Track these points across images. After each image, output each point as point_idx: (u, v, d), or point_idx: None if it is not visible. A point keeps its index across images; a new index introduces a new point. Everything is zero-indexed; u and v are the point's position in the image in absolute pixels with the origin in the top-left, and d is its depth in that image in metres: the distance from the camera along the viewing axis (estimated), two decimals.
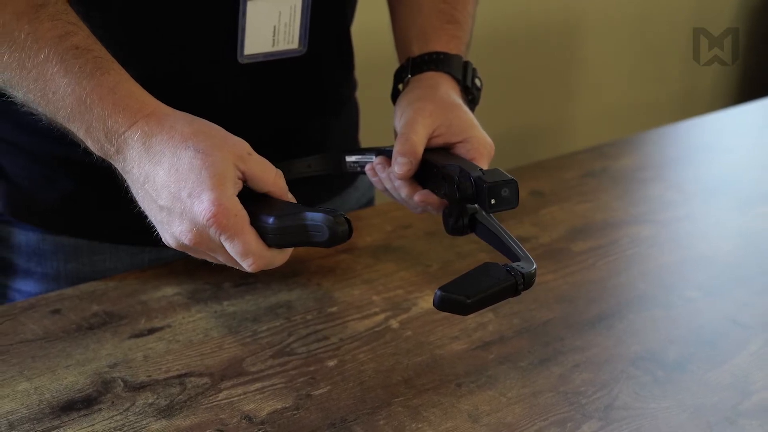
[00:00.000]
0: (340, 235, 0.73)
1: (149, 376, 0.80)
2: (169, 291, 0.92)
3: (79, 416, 0.75)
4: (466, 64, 0.95)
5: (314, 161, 0.96)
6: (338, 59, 1.05)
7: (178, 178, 0.73)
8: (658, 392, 0.81)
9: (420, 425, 0.76)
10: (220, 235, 0.73)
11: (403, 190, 0.88)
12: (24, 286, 0.97)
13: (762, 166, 1.30)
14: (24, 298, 0.93)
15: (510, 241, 0.78)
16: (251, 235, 0.74)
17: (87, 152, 0.93)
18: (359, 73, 1.12)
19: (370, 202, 1.17)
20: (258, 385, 0.80)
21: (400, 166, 0.86)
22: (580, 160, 1.28)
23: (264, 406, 0.77)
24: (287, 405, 0.77)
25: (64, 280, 0.96)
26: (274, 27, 0.91)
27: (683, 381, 0.83)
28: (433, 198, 0.86)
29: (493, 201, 0.79)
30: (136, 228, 0.97)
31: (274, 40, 0.91)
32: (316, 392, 0.79)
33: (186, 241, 0.74)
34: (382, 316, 0.90)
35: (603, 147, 1.32)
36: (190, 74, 0.92)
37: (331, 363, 0.83)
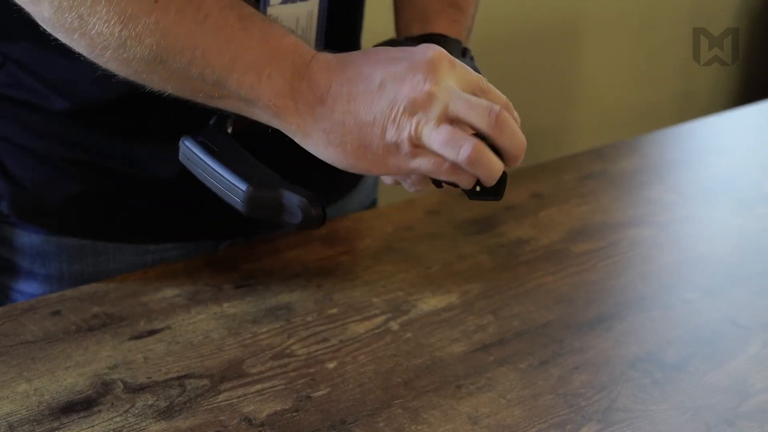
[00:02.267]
0: (312, 219, 0.71)
1: (149, 377, 0.80)
2: (169, 292, 0.92)
3: (79, 418, 0.75)
4: (465, 50, 0.94)
5: None
6: None
7: (385, 56, 0.71)
8: (657, 394, 0.81)
9: (420, 427, 0.76)
10: (452, 69, 0.70)
11: None
12: (27, 287, 0.97)
13: (762, 168, 1.30)
14: (27, 299, 0.93)
15: None
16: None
17: (94, 153, 0.93)
18: None
19: (373, 204, 1.17)
20: (258, 386, 0.80)
21: None
22: (579, 162, 1.28)
23: (264, 407, 0.77)
24: (287, 407, 0.77)
25: (67, 282, 0.96)
26: (292, 33, 0.91)
27: (682, 383, 0.83)
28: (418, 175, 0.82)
29: (478, 188, 0.76)
30: (141, 228, 0.98)
31: None
32: (316, 394, 0.79)
33: (428, 87, 0.69)
34: (382, 318, 0.90)
35: (602, 149, 1.32)
36: None
37: (331, 365, 0.83)
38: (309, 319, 0.89)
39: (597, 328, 0.90)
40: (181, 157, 0.77)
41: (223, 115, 0.85)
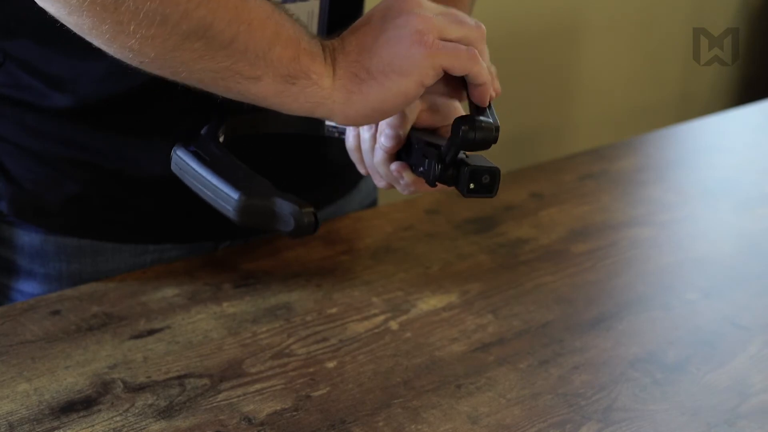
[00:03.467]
0: (305, 227, 0.72)
1: (149, 377, 0.80)
2: (168, 292, 0.92)
3: (79, 417, 0.75)
4: None
5: (293, 118, 0.94)
6: None
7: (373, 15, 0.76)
8: (657, 394, 0.81)
9: (419, 427, 0.76)
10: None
11: (380, 162, 0.85)
12: (26, 287, 0.97)
13: (761, 168, 1.30)
14: (26, 299, 0.93)
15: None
16: None
17: (93, 153, 0.93)
18: None
19: (373, 204, 1.17)
20: (257, 386, 0.80)
21: (387, 138, 0.82)
22: (579, 162, 1.28)
23: (263, 407, 0.77)
24: (286, 406, 0.77)
25: (66, 281, 0.96)
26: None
27: (682, 383, 0.83)
28: (408, 172, 0.83)
29: (472, 186, 0.76)
30: (141, 228, 0.98)
31: None
32: (316, 393, 0.79)
33: (425, 26, 0.74)
34: (381, 318, 0.90)
35: (602, 149, 1.32)
36: None
37: (331, 364, 0.83)
38: (308, 318, 0.89)
39: (597, 328, 0.90)
40: (173, 167, 0.78)
41: (214, 123, 0.85)
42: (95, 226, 0.97)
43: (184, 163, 0.76)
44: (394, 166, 0.83)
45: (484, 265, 1.00)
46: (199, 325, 0.87)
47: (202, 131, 0.82)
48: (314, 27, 0.92)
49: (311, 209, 0.71)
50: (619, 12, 2.49)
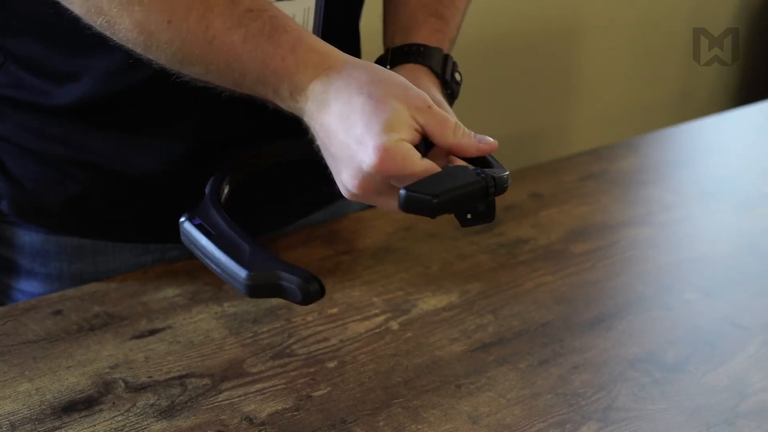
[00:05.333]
0: (312, 295, 0.73)
1: (150, 377, 0.80)
2: (170, 292, 0.92)
3: (81, 417, 0.75)
4: (447, 57, 0.94)
5: (286, 147, 0.94)
6: None
7: (347, 125, 0.71)
8: (656, 394, 0.81)
9: (420, 426, 0.76)
10: (389, 178, 0.71)
11: None
12: (27, 286, 0.97)
13: (761, 169, 1.30)
14: (27, 298, 0.93)
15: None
16: (425, 167, 0.70)
17: (94, 153, 0.94)
18: None
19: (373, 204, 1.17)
20: (258, 386, 0.80)
21: None
22: (578, 162, 1.28)
23: (264, 407, 0.77)
24: (287, 406, 0.78)
25: (67, 281, 0.96)
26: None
27: (682, 382, 0.83)
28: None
29: (469, 216, 0.75)
30: (141, 227, 0.98)
31: None
32: (317, 393, 0.79)
33: (354, 190, 0.73)
34: (382, 318, 0.90)
35: (602, 149, 1.33)
36: None
37: (332, 364, 0.83)
38: (309, 318, 0.89)
39: (597, 328, 0.90)
40: (182, 239, 0.80)
41: (218, 178, 0.86)
42: (96, 225, 0.97)
43: (192, 236, 0.79)
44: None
45: (484, 265, 1.00)
46: (200, 325, 0.88)
47: (207, 190, 0.83)
48: (310, 24, 0.92)
49: (314, 279, 0.73)
50: (619, 12, 2.49)
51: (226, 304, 0.91)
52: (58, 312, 0.88)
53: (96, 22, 0.77)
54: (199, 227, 0.79)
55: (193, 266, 0.96)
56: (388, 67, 0.92)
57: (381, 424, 0.76)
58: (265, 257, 0.75)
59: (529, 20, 2.30)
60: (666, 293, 0.98)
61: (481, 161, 0.75)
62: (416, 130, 0.72)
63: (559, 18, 2.38)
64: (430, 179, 0.70)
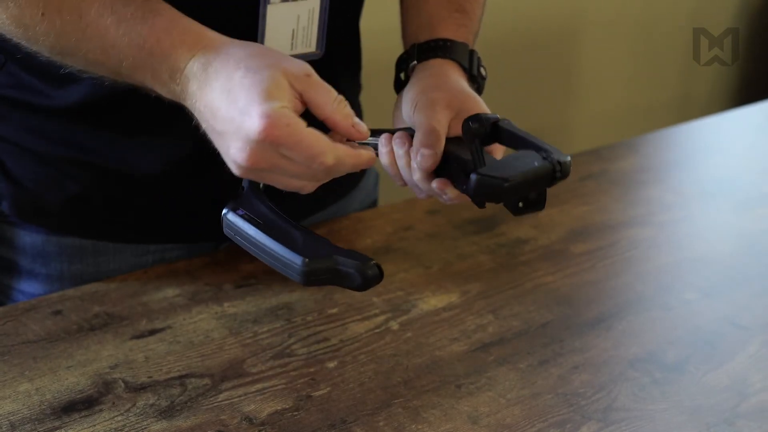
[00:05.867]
0: (371, 279, 0.72)
1: (150, 377, 0.80)
2: (170, 292, 0.92)
3: (80, 417, 0.75)
4: (472, 52, 0.93)
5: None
6: (349, 62, 1.05)
7: (229, 100, 0.71)
8: (656, 394, 0.81)
9: (420, 426, 0.76)
10: (278, 147, 0.70)
11: (420, 180, 0.83)
12: (28, 287, 0.97)
13: (760, 169, 1.30)
14: (27, 299, 0.93)
15: (538, 140, 0.74)
16: (312, 135, 0.70)
17: (94, 153, 0.94)
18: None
19: (373, 204, 1.17)
20: (258, 386, 0.80)
21: (424, 158, 0.80)
22: (579, 162, 1.28)
23: (264, 407, 0.77)
24: (287, 406, 0.78)
25: (68, 282, 0.96)
26: (293, 30, 0.91)
27: (682, 382, 0.83)
28: (450, 188, 0.81)
29: (521, 204, 0.73)
30: (142, 228, 0.98)
31: (292, 43, 0.92)
32: (317, 393, 0.79)
33: (244, 163, 0.71)
34: (382, 318, 0.90)
35: (602, 150, 1.33)
36: None
37: (332, 364, 0.83)
38: (309, 318, 0.89)
39: (597, 328, 0.90)
40: (225, 231, 0.77)
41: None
42: (96, 226, 0.97)
43: (238, 228, 0.76)
44: (435, 184, 0.81)
45: (484, 265, 1.00)
46: (200, 325, 0.88)
47: (244, 185, 0.81)
48: (314, 26, 0.92)
49: (373, 263, 0.72)
50: (619, 12, 2.49)
51: (226, 304, 0.91)
52: (58, 312, 0.88)
53: None
54: (245, 217, 0.76)
55: (193, 266, 0.96)
56: (415, 63, 0.92)
57: (381, 424, 0.76)
58: (320, 243, 0.73)
59: (530, 20, 2.30)
60: (666, 293, 0.98)
61: (534, 147, 0.74)
62: (296, 98, 0.71)
63: (559, 18, 2.38)
64: (498, 164, 0.69)
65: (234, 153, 0.71)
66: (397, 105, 0.90)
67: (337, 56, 0.98)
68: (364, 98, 1.14)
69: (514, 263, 1.01)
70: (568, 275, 0.99)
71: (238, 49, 0.74)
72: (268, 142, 0.69)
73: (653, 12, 2.57)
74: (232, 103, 0.71)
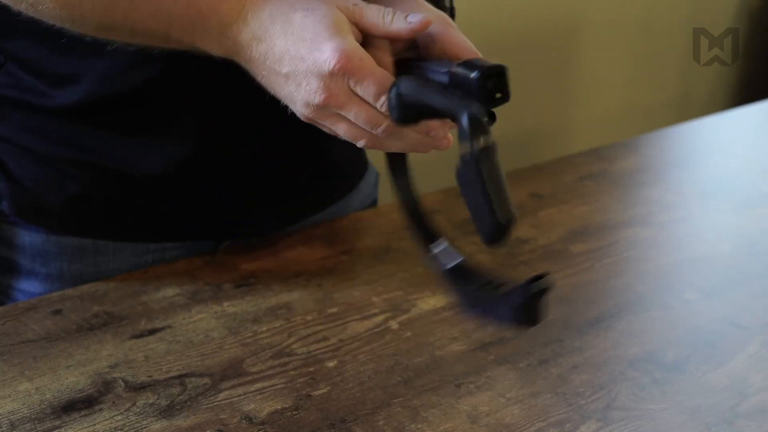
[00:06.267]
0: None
1: (150, 376, 0.80)
2: (169, 292, 0.92)
3: (80, 416, 0.75)
4: None
5: None
6: None
7: (294, 40, 0.71)
8: (656, 393, 0.81)
9: (419, 426, 0.76)
10: (349, 79, 0.70)
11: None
12: (27, 286, 0.97)
13: (761, 168, 1.30)
14: (27, 298, 0.93)
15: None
16: (382, 71, 0.70)
17: (94, 153, 0.94)
18: None
19: (373, 204, 1.17)
20: (258, 385, 0.80)
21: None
22: (578, 162, 1.28)
23: (264, 406, 0.77)
24: (287, 405, 0.78)
25: (67, 281, 0.96)
26: None
27: (681, 382, 0.83)
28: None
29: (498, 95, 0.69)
30: (142, 227, 0.98)
31: None
32: (316, 393, 0.79)
33: (318, 100, 0.71)
34: (381, 317, 0.90)
35: (601, 150, 1.33)
36: (206, 79, 0.92)
37: (331, 364, 0.83)
38: (309, 318, 0.89)
39: (596, 328, 0.90)
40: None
41: None
42: (96, 225, 0.97)
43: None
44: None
45: (484, 265, 1.00)
46: (200, 324, 0.88)
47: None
48: None
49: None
50: (619, 12, 2.49)
51: (225, 304, 0.91)
52: (58, 311, 0.88)
53: (22, 7, 0.78)
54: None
55: (193, 266, 0.96)
56: None
57: (380, 423, 0.76)
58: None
59: (529, 20, 2.30)
60: (666, 293, 0.98)
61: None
62: (356, 30, 0.72)
63: (559, 18, 2.38)
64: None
65: (306, 91, 0.71)
66: None
67: None
68: None
69: (513, 263, 1.01)
70: (568, 275, 0.99)
71: None
72: (342, 75, 0.69)
73: (653, 12, 2.57)
74: (299, 41, 0.71)
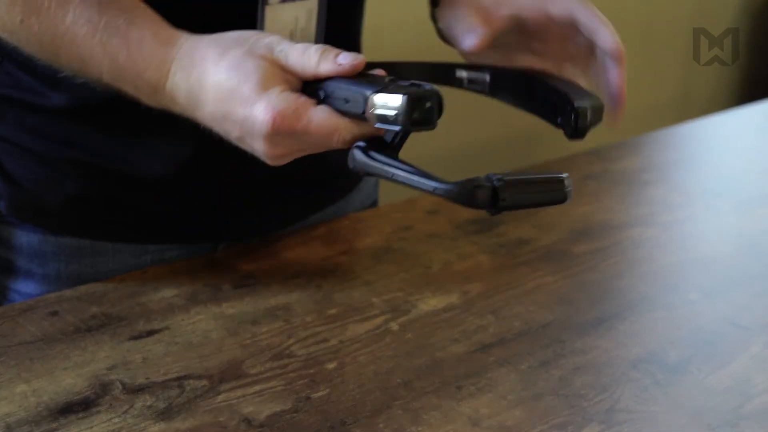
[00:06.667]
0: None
1: (147, 378, 0.80)
2: (167, 293, 0.92)
3: (77, 419, 0.75)
4: None
5: (419, 67, 0.92)
6: None
7: (228, 107, 0.71)
8: (658, 395, 0.81)
9: (420, 428, 0.75)
10: (292, 135, 0.70)
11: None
12: (25, 287, 0.97)
13: (764, 169, 1.30)
14: (24, 299, 0.93)
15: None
16: (322, 115, 0.70)
17: (93, 153, 0.93)
18: None
19: (373, 204, 1.17)
20: (257, 387, 0.79)
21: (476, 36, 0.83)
22: (580, 162, 1.28)
23: (263, 408, 0.77)
24: (286, 407, 0.77)
25: (65, 282, 0.96)
26: (291, 31, 0.91)
27: (684, 384, 0.82)
28: None
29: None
30: (141, 228, 0.98)
31: None
32: (316, 395, 0.79)
33: (271, 158, 0.72)
34: (381, 319, 0.90)
35: (603, 149, 1.32)
36: None
37: (331, 365, 0.83)
38: (308, 319, 0.89)
39: (598, 329, 0.90)
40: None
41: None
42: (95, 226, 0.97)
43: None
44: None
45: (484, 266, 1.00)
46: (199, 325, 0.87)
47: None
48: (313, 25, 0.92)
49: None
50: (618, 12, 2.49)
51: (224, 305, 0.90)
52: (55, 313, 0.88)
53: None
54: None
55: (191, 267, 0.96)
56: None
57: (381, 425, 0.75)
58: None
59: None
60: (668, 294, 0.97)
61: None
62: (287, 73, 0.71)
63: None
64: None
65: (258, 151, 0.72)
66: (447, 14, 0.89)
67: None
68: None
69: (514, 263, 1.00)
70: (570, 275, 0.99)
71: (212, 49, 0.73)
72: (281, 133, 0.69)
73: (653, 12, 2.57)
74: (232, 108, 0.71)
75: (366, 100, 0.68)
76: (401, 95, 0.66)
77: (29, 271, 0.97)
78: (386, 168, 0.67)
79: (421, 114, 0.67)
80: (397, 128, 0.68)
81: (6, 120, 0.94)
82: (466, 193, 0.63)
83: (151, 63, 0.74)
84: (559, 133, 0.84)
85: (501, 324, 0.89)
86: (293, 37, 0.92)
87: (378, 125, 0.68)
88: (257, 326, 0.87)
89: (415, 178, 0.66)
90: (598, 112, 0.76)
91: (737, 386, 0.82)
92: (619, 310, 0.93)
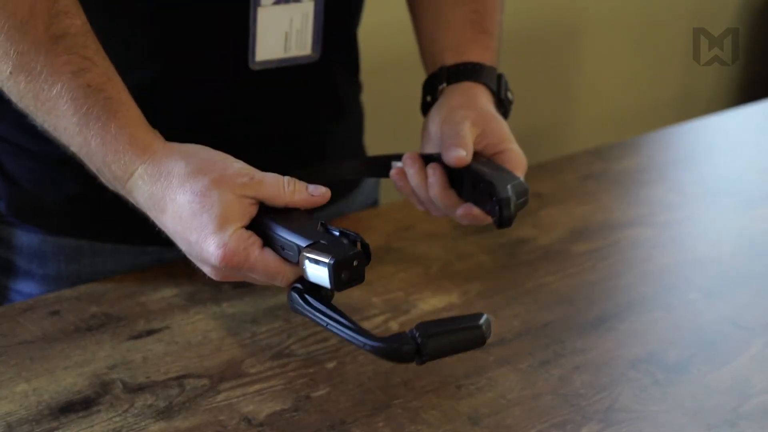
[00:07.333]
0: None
1: (148, 377, 0.80)
2: (167, 292, 0.92)
3: (78, 418, 0.75)
4: (500, 76, 0.95)
5: (354, 165, 0.97)
6: (347, 63, 1.05)
7: (183, 226, 0.74)
8: (658, 394, 0.81)
9: (419, 427, 0.75)
10: (239, 270, 0.73)
11: (440, 199, 0.86)
12: (24, 287, 0.97)
13: (763, 168, 1.30)
14: (24, 299, 0.93)
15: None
16: (268, 259, 0.73)
17: None
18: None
19: (374, 204, 1.17)
20: (257, 386, 0.79)
21: (457, 156, 0.84)
22: (579, 162, 1.28)
23: (263, 407, 0.77)
24: (286, 407, 0.77)
25: (65, 282, 0.96)
26: (286, 33, 0.91)
27: (683, 383, 0.83)
28: (476, 211, 0.85)
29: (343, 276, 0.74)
30: (140, 228, 0.97)
31: (286, 46, 0.92)
32: (315, 394, 0.79)
33: (220, 278, 0.76)
34: (381, 318, 0.90)
35: (603, 149, 1.32)
36: (202, 79, 0.91)
37: (331, 365, 0.83)
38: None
39: (598, 329, 0.90)
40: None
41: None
42: (94, 226, 0.97)
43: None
44: (461, 210, 0.86)
45: (484, 265, 1.00)
46: (199, 325, 0.87)
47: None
48: (309, 29, 0.92)
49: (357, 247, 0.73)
50: (619, 12, 2.49)
51: (224, 305, 0.90)
52: (56, 312, 0.88)
53: None
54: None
55: (191, 267, 0.95)
56: (444, 85, 0.94)
57: (380, 425, 0.76)
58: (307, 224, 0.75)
59: (530, 20, 2.30)
60: (667, 293, 0.97)
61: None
62: (250, 205, 0.74)
63: (559, 17, 2.38)
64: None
65: (206, 271, 0.76)
66: (425, 126, 0.92)
67: (335, 58, 0.98)
68: (365, 97, 1.14)
69: (514, 263, 1.00)
70: (569, 275, 0.99)
71: (180, 166, 0.75)
72: (229, 268, 0.73)
73: (653, 12, 2.57)
74: (186, 230, 0.74)
75: (299, 251, 0.72)
76: (325, 267, 0.71)
77: (29, 271, 0.97)
78: (321, 317, 0.73)
79: (349, 273, 0.72)
80: (328, 287, 0.73)
81: (6, 120, 0.94)
82: (393, 351, 0.69)
83: (120, 159, 0.76)
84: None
85: (501, 323, 0.89)
86: (288, 39, 0.92)
87: (311, 281, 0.73)
88: (257, 326, 0.87)
89: (348, 332, 0.71)
90: (521, 196, 0.80)
91: (737, 386, 0.82)
92: (618, 310, 0.93)
